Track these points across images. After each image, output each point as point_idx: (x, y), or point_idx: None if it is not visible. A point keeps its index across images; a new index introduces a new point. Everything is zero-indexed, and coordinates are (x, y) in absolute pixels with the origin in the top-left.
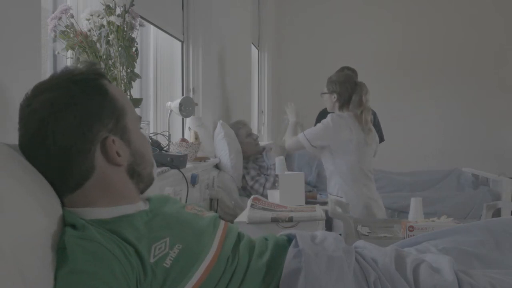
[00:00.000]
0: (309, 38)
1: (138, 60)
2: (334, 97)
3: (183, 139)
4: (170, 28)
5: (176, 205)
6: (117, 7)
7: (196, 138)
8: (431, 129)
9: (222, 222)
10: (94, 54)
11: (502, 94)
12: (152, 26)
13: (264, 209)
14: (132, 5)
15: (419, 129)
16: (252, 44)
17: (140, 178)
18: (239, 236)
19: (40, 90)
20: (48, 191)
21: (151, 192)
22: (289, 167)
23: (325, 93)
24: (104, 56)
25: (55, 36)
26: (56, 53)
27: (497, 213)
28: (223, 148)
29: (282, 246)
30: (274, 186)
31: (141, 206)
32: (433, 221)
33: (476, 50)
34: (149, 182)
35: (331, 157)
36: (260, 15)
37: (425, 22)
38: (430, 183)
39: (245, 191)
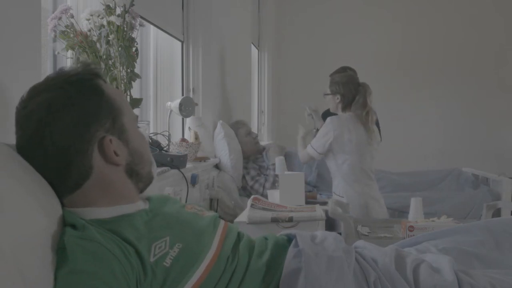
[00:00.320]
0: (309, 38)
1: (138, 60)
2: (338, 98)
3: (183, 139)
4: (170, 28)
5: (176, 204)
6: (117, 7)
7: (196, 138)
8: (431, 129)
9: (222, 222)
10: (94, 54)
11: (502, 94)
12: (152, 26)
13: (264, 209)
14: (132, 5)
15: (419, 129)
16: (252, 44)
17: (139, 178)
18: (239, 236)
19: (36, 92)
20: (48, 191)
21: (151, 192)
22: (289, 167)
23: (328, 94)
24: (104, 56)
25: (55, 36)
26: (56, 53)
27: (497, 213)
28: (223, 148)
29: (282, 246)
30: (273, 186)
31: (141, 205)
32: (433, 221)
33: (476, 50)
34: (149, 181)
35: (333, 158)
36: (260, 15)
37: (425, 22)
38: (430, 183)
39: (245, 191)
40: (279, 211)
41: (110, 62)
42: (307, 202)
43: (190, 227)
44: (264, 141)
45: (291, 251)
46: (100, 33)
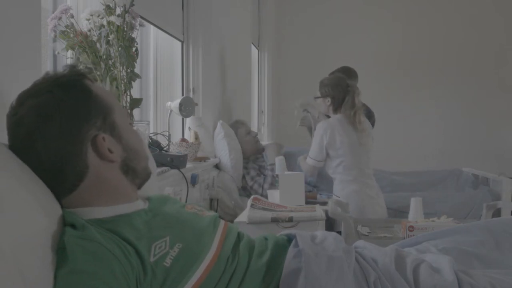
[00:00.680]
0: (309, 38)
1: (138, 60)
2: (328, 101)
3: (183, 139)
4: (170, 28)
5: (176, 204)
6: (117, 7)
7: (196, 138)
8: (431, 129)
9: (222, 222)
10: (94, 54)
11: (502, 94)
12: (152, 26)
13: (264, 209)
14: (132, 5)
15: (419, 129)
16: (252, 44)
17: (135, 174)
18: (239, 236)
19: (25, 97)
20: (48, 191)
21: (151, 192)
22: (289, 167)
23: (318, 97)
24: (104, 56)
25: (55, 36)
26: (56, 53)
27: (497, 213)
28: (223, 148)
29: (282, 246)
30: (272, 186)
31: (140, 205)
32: (433, 221)
33: (476, 50)
34: (146, 176)
35: (329, 161)
36: (260, 15)
37: (425, 22)
38: (430, 183)
39: (245, 191)
40: (279, 211)
41: (110, 62)
42: (307, 202)
43: (190, 227)
44: (264, 141)
45: (291, 251)
46: (100, 33)
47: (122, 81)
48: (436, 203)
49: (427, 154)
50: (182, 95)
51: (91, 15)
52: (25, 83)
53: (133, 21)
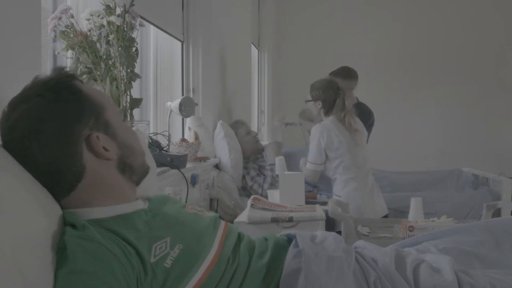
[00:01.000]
0: (309, 38)
1: (138, 60)
2: (319, 104)
3: (183, 139)
4: (170, 28)
5: (176, 205)
6: (117, 7)
7: (196, 138)
8: (431, 129)
9: (222, 223)
10: (94, 54)
11: (502, 94)
12: (152, 26)
13: (264, 209)
14: (132, 5)
15: (419, 129)
16: (252, 44)
17: (132, 170)
18: (240, 237)
19: (16, 103)
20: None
21: (151, 192)
22: (289, 167)
23: (309, 100)
24: (104, 56)
25: (55, 36)
26: (56, 53)
27: (497, 213)
28: (223, 148)
29: (282, 246)
30: (271, 186)
31: (140, 204)
32: (433, 221)
33: (476, 50)
34: (144, 172)
35: (328, 163)
36: (260, 15)
37: (425, 22)
38: (430, 183)
39: (245, 191)
40: (279, 211)
41: (110, 62)
42: (307, 202)
43: (190, 227)
44: (264, 141)
45: (291, 251)
46: (100, 33)
47: (122, 81)
48: (436, 203)
49: (427, 154)
50: (182, 95)
51: (91, 15)
52: (25, 83)
53: (133, 21)
